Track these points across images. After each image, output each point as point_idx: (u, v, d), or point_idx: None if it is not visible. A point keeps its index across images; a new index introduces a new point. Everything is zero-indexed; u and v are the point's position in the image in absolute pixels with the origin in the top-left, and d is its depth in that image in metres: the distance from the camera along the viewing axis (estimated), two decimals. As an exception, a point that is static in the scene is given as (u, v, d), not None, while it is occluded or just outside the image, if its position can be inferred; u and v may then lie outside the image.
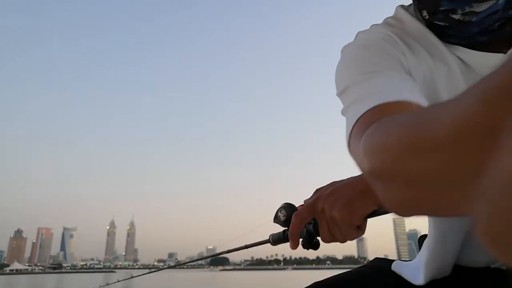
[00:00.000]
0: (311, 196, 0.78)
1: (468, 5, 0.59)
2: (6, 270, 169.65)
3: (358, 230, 0.73)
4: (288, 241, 0.82)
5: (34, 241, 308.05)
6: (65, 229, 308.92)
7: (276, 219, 0.83)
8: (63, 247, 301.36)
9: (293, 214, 0.78)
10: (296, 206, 0.83)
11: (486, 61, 0.66)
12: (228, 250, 1.05)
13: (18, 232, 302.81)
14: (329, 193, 0.74)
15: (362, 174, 0.62)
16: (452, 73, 0.69)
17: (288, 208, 0.82)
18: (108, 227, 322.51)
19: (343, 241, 0.73)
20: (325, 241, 0.75)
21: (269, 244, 0.89)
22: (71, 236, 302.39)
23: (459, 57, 0.68)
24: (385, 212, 0.71)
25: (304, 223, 0.77)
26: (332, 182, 0.77)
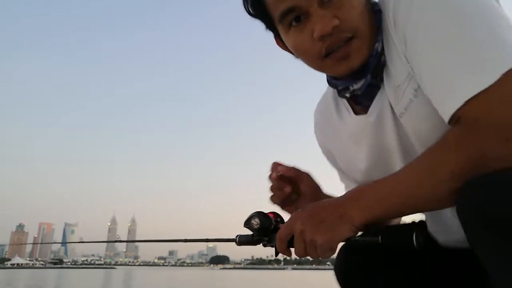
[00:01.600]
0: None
1: (351, 85, 0.83)
2: (7, 264, 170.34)
3: (332, 251, 0.74)
4: (253, 244, 0.88)
5: (35, 236, 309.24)
6: (66, 224, 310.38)
7: (248, 225, 0.85)
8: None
9: (277, 236, 0.79)
10: (266, 212, 0.85)
11: (358, 122, 0.90)
12: (186, 239, 1.03)
13: (20, 227, 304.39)
14: (308, 214, 0.74)
15: (341, 196, 0.73)
16: (343, 141, 0.97)
17: (262, 216, 0.84)
18: (109, 224, 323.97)
19: (315, 258, 0.75)
20: (298, 256, 0.77)
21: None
22: (72, 231, 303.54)
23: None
24: (362, 240, 0.73)
25: (286, 242, 0.78)
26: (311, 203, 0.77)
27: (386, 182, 0.70)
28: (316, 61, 0.80)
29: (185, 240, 1.03)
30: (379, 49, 0.78)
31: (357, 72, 0.80)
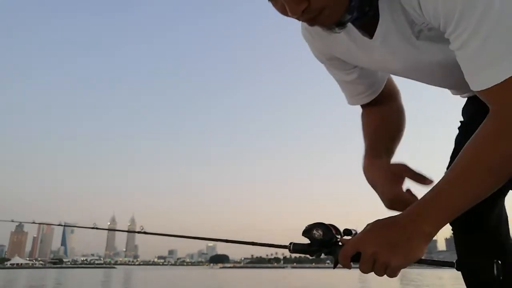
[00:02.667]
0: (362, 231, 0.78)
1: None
2: (6, 264, 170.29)
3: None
4: (309, 254, 0.88)
5: (35, 235, 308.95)
6: (66, 224, 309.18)
7: (309, 235, 0.86)
8: (63, 242, 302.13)
9: (341, 252, 0.79)
10: (326, 224, 0.88)
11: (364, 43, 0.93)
12: (228, 239, 1.05)
13: (19, 227, 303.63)
14: (378, 235, 0.74)
15: (406, 214, 0.74)
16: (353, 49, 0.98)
17: (325, 228, 0.86)
18: (109, 223, 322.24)
19: (380, 276, 0.75)
20: (363, 272, 0.76)
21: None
22: (72, 231, 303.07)
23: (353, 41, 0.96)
24: (436, 264, 0.76)
25: (349, 259, 0.77)
26: (376, 221, 0.77)
27: (445, 190, 0.72)
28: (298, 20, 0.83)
29: (227, 241, 1.03)
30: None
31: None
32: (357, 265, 0.77)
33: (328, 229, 0.86)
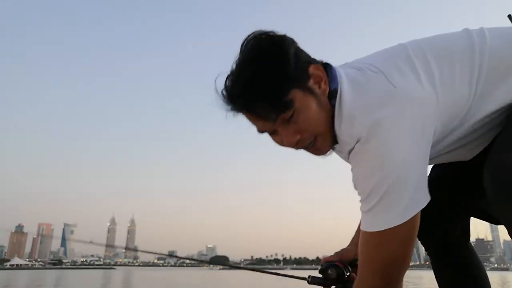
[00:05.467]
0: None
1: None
2: (6, 265, 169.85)
3: None
4: (323, 286, 1.14)
5: (34, 236, 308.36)
6: (65, 225, 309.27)
7: (324, 273, 1.11)
8: (63, 243, 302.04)
9: None
10: (335, 262, 1.13)
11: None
12: (264, 270, 1.33)
13: (19, 228, 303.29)
14: None
15: None
16: None
17: (338, 268, 1.10)
18: (108, 224, 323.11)
19: None
20: None
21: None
22: (72, 232, 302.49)
23: None
24: None
25: None
26: None
27: None
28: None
29: (247, 269, 1.33)
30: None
31: None
32: None
33: (340, 268, 1.09)
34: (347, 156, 0.94)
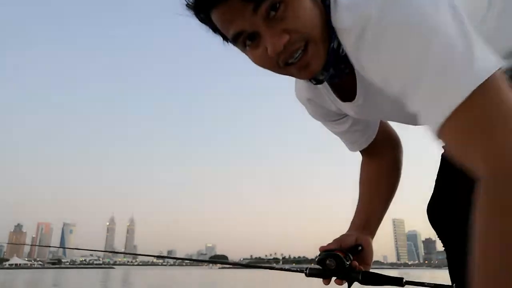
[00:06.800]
0: None
1: (315, 79, 0.88)
2: (5, 265, 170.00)
3: None
4: (325, 279, 0.98)
5: (33, 236, 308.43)
6: (65, 224, 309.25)
7: (322, 264, 0.96)
8: (62, 243, 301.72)
9: None
10: (335, 252, 0.97)
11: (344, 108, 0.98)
12: (255, 265, 1.15)
13: (18, 227, 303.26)
14: None
15: None
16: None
17: (337, 258, 0.95)
18: (107, 223, 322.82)
19: None
20: None
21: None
22: (71, 231, 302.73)
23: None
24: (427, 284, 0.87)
25: None
26: None
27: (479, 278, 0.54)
28: (279, 71, 0.82)
29: (245, 265, 1.11)
30: (335, 45, 0.79)
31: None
32: None
33: (339, 257, 0.94)
34: (351, 52, 0.76)
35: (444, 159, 0.98)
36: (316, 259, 0.97)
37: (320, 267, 0.97)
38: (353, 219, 1.16)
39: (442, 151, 0.97)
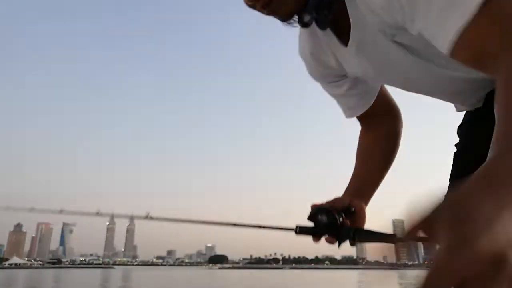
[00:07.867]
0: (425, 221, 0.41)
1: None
2: (5, 264, 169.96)
3: None
4: (315, 237, 0.89)
5: (33, 235, 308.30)
6: (64, 224, 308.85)
7: (314, 220, 0.89)
8: (62, 242, 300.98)
9: (427, 278, 0.37)
10: (327, 207, 0.91)
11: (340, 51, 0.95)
12: (235, 223, 1.03)
13: (18, 227, 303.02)
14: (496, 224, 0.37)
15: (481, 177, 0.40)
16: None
17: (329, 213, 0.89)
18: (107, 223, 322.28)
19: None
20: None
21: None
22: (71, 231, 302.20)
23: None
24: None
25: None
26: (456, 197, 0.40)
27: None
28: (260, 10, 0.82)
29: (233, 224, 0.99)
30: None
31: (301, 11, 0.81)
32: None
33: (331, 213, 0.89)
34: None
35: (457, 159, 0.94)
36: (308, 216, 0.91)
37: (311, 226, 0.91)
38: (347, 185, 1.13)
39: (455, 150, 0.95)
